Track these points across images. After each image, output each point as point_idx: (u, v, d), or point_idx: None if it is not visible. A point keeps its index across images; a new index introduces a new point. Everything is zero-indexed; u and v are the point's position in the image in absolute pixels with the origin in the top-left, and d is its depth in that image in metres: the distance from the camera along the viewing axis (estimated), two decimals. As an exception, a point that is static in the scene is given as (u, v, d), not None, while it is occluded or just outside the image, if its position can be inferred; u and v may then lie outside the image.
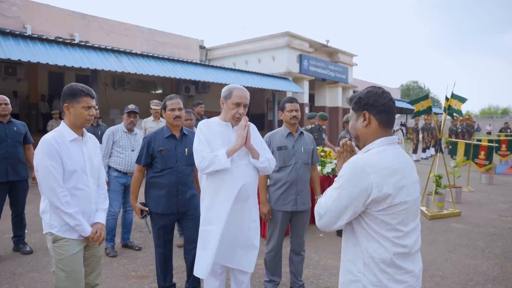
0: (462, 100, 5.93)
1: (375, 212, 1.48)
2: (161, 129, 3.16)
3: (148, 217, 3.11)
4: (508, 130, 19.79)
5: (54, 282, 2.37)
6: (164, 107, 3.13)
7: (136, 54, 11.36)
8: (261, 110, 20.54)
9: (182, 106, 3.13)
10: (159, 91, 16.75)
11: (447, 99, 6.14)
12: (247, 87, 2.79)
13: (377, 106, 1.58)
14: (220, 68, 14.52)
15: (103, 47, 10.63)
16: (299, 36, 18.23)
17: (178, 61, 12.72)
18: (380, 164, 1.47)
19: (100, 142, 4.20)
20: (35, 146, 5.12)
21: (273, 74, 16.85)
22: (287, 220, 3.32)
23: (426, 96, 6.17)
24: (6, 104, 4.18)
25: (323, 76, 19.68)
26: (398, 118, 32.76)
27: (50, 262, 4.03)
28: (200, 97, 16.40)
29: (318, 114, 6.94)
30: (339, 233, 5.20)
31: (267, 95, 19.55)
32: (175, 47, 16.95)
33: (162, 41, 16.50)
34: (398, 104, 22.80)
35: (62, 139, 2.26)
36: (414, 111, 6.42)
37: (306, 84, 18.51)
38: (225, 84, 13.73)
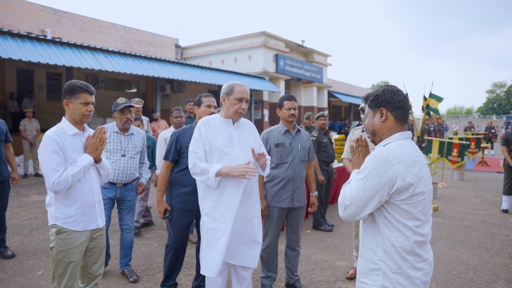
0: (439, 99, 6.21)
1: (397, 202, 1.54)
2: (189, 126, 3.15)
3: (170, 218, 3.07)
4: (472, 129, 20.84)
5: (52, 270, 2.40)
6: (198, 104, 3.17)
7: (113, 52, 11.06)
8: (238, 109, 20.55)
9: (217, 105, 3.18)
10: (134, 90, 16.40)
11: (425, 98, 6.42)
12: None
13: (393, 103, 1.65)
14: (198, 67, 14.41)
15: (79, 44, 10.29)
16: (275, 36, 18.36)
17: (155, 59, 12.52)
18: (402, 155, 1.55)
19: None
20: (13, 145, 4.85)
21: (250, 73, 16.89)
22: (283, 216, 3.36)
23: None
24: None
25: (298, 76, 19.93)
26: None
27: (35, 266, 3.91)
28: (176, 96, 16.19)
29: (304, 115, 7.25)
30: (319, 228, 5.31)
31: (244, 95, 19.58)
32: (151, 45, 16.67)
33: (138, 39, 16.17)
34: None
35: (63, 133, 2.34)
36: None
37: (282, 84, 18.68)
38: (203, 83, 13.86)
